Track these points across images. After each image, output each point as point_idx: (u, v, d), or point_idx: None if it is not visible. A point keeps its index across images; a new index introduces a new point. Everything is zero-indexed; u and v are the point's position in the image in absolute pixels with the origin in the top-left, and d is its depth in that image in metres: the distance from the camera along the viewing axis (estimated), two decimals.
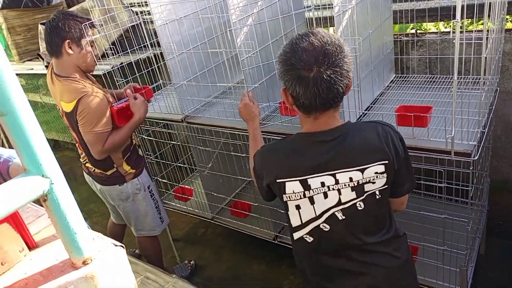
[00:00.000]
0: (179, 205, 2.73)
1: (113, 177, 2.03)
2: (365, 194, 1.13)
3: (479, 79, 1.84)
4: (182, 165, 2.72)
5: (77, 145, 2.05)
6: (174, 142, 2.70)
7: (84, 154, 2.02)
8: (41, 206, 0.73)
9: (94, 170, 2.04)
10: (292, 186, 1.14)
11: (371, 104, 1.93)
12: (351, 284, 1.23)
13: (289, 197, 1.16)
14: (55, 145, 4.90)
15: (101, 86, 2.05)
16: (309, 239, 1.21)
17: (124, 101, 1.98)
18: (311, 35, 1.04)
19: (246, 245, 2.78)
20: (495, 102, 1.81)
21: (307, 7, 2.23)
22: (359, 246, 1.19)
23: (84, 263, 0.67)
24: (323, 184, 1.12)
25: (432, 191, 1.90)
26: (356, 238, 1.18)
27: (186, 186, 2.69)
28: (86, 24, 1.78)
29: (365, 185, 1.12)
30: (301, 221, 1.19)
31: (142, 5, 2.79)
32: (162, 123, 2.58)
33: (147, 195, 2.14)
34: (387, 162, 1.10)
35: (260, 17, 1.89)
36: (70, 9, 3.13)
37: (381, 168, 1.10)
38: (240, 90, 2.30)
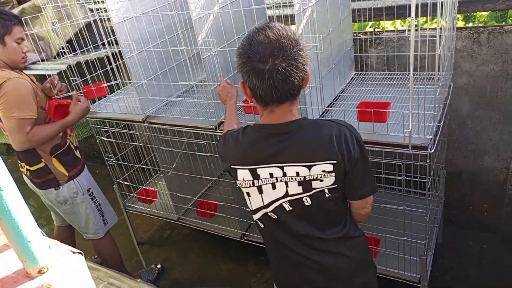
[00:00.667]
0: (143, 208, 2.66)
1: (46, 179, 1.97)
2: (313, 191, 1.15)
3: (434, 75, 1.92)
4: (145, 166, 2.65)
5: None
6: (135, 143, 2.63)
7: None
8: None
9: (26, 170, 1.98)
10: (243, 174, 1.18)
11: (333, 100, 1.96)
12: (301, 276, 1.26)
13: (241, 184, 1.21)
14: (8, 149, 4.64)
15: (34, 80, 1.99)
16: (261, 225, 1.27)
17: (67, 98, 2.01)
18: (267, 29, 1.05)
19: (213, 245, 2.76)
20: (449, 97, 1.89)
21: (267, 4, 2.24)
22: (310, 239, 1.21)
23: (40, 272, 0.64)
24: (271, 175, 1.15)
25: (392, 184, 1.96)
26: (305, 230, 1.20)
27: (150, 188, 2.63)
28: (11, 22, 1.75)
29: (313, 182, 1.13)
30: (252, 207, 1.25)
31: (98, 1, 2.69)
32: (123, 123, 2.51)
33: (86, 198, 2.09)
34: (335, 162, 1.10)
35: (221, 14, 1.87)
36: (21, 6, 2.98)
37: (329, 167, 1.11)
38: (203, 89, 2.27)
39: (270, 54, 1.02)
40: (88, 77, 2.34)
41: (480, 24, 3.42)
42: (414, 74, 2.08)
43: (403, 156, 1.79)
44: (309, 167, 1.11)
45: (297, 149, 1.12)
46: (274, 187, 1.17)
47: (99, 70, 2.38)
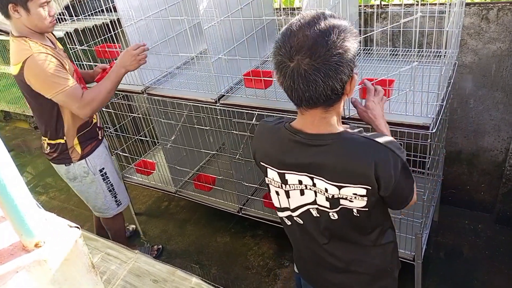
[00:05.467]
0: (141, 179, 2.66)
1: (60, 155, 1.94)
2: (340, 207, 1.05)
3: (440, 53, 1.88)
4: (143, 138, 2.64)
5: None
6: (134, 115, 2.61)
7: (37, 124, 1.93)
8: None
9: (44, 145, 1.96)
10: (272, 175, 1.11)
11: None
12: (321, 275, 1.24)
13: (270, 182, 1.14)
14: (5, 116, 4.61)
15: (63, 50, 1.93)
16: (288, 222, 1.20)
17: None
18: (310, 21, 0.91)
19: (210, 218, 2.79)
20: (453, 76, 1.86)
21: None
22: (334, 247, 1.16)
23: (37, 245, 0.63)
24: (300, 182, 1.07)
25: None
26: (330, 240, 1.14)
27: (148, 160, 2.63)
28: None
29: (341, 200, 1.04)
30: (280, 205, 1.18)
31: None
32: (121, 94, 2.48)
33: (98, 179, 2.05)
34: (369, 188, 0.99)
35: None
36: None
37: (362, 192, 1.00)
38: (203, 60, 2.22)
39: (297, 51, 0.90)
40: (85, 45, 2.29)
41: (488, 0, 3.33)
42: (419, 51, 2.05)
43: (404, 135, 1.77)
44: (340, 188, 1.01)
45: (329, 168, 1.00)
46: (302, 193, 1.09)
47: (97, 38, 2.33)
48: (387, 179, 0.98)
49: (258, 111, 1.87)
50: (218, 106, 1.96)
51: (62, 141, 1.91)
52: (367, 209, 1.03)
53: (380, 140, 1.00)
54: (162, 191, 2.63)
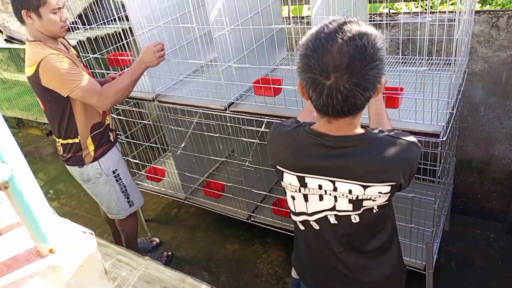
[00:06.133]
0: (151, 186, 2.69)
1: (74, 156, 1.97)
2: (362, 209, 1.06)
3: (449, 61, 1.87)
4: (154, 145, 2.66)
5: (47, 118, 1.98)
6: (145, 122, 2.64)
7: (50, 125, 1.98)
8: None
9: (59, 147, 1.99)
10: (290, 178, 1.10)
11: None
12: (328, 282, 1.23)
13: (286, 186, 1.13)
14: (18, 123, 4.68)
15: (76, 55, 1.98)
16: (301, 227, 1.20)
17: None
18: (340, 33, 0.88)
19: (219, 225, 2.79)
20: (463, 84, 1.85)
21: None
22: (347, 255, 1.15)
23: (51, 251, 0.64)
24: (320, 186, 1.06)
25: None
26: (345, 247, 1.13)
27: (158, 167, 2.65)
28: None
29: (364, 201, 1.04)
30: (295, 210, 1.17)
31: None
32: (133, 101, 2.51)
33: (111, 180, 2.07)
34: (394, 184, 1.00)
35: None
36: None
37: (387, 189, 1.01)
38: (213, 68, 2.25)
39: (335, 69, 0.87)
40: (98, 54, 2.33)
41: (498, 8, 3.31)
42: (429, 59, 2.04)
43: None
44: (365, 187, 1.01)
45: (355, 168, 1.00)
46: (321, 198, 1.08)
47: (110, 46, 2.37)
48: (413, 171, 1.04)
49: (268, 119, 1.89)
50: (228, 113, 1.97)
51: (76, 140, 1.94)
52: (387, 202, 1.07)
53: (404, 137, 1.02)
54: (172, 198, 2.65)
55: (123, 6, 2.05)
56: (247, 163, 2.15)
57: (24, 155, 0.62)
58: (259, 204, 2.36)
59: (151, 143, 2.67)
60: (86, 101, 1.84)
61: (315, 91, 0.92)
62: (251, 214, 2.33)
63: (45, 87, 1.76)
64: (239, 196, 2.31)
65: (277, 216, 2.21)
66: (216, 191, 2.41)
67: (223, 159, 2.78)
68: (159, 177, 2.59)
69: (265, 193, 2.36)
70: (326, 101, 0.91)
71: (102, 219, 2.33)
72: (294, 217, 1.20)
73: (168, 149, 2.72)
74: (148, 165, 2.69)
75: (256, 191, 2.28)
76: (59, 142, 1.98)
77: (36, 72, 1.74)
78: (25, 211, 0.61)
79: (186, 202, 2.58)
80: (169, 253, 2.63)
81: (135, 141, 2.63)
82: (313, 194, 1.08)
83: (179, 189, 2.58)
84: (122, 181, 2.12)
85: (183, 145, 2.39)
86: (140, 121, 2.59)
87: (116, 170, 2.08)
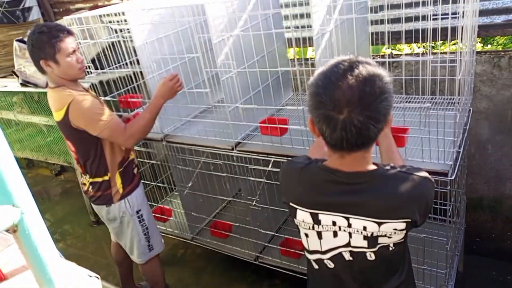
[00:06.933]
0: (158, 226, 2.66)
1: (103, 194, 1.97)
2: (378, 246, 1.04)
3: (453, 100, 1.89)
4: (161, 184, 2.67)
5: (74, 158, 2.00)
6: (153, 162, 2.66)
7: (78, 165, 1.99)
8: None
9: (87, 185, 1.99)
10: (303, 216, 1.09)
11: None
12: None
13: (299, 223, 1.12)
14: (28, 163, 4.74)
15: (96, 96, 2.03)
16: (315, 266, 1.17)
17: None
18: (350, 70, 0.91)
19: (226, 266, 2.73)
20: (469, 122, 1.86)
21: (286, 28, 2.26)
22: None
23: None
24: (334, 223, 1.05)
25: None
26: (358, 285, 1.11)
27: (165, 206, 2.64)
28: (57, 39, 1.74)
29: (379, 238, 1.03)
30: (309, 248, 1.15)
31: (122, 23, 2.78)
32: (141, 142, 2.54)
33: (134, 220, 2.05)
34: (409, 220, 1.00)
35: (241, 37, 1.90)
36: None
37: (402, 226, 1.00)
38: (220, 108, 2.29)
39: (347, 103, 0.90)
40: (109, 96, 2.40)
41: (499, 48, 3.38)
42: (433, 98, 2.07)
43: None
44: (380, 224, 1.00)
45: (368, 205, 1.00)
46: (335, 235, 1.06)
47: (121, 89, 2.44)
48: (428, 207, 1.03)
49: (274, 158, 1.90)
50: (234, 153, 1.99)
51: (106, 178, 1.96)
52: (403, 240, 1.05)
53: (417, 173, 1.02)
54: (178, 238, 2.62)
55: (134, 51, 2.13)
56: (254, 203, 2.14)
57: (33, 195, 0.63)
58: (266, 244, 2.32)
59: (158, 182, 2.68)
60: (113, 140, 1.88)
61: (329, 127, 0.93)
62: (258, 255, 2.29)
63: (75, 128, 1.80)
64: (246, 236, 2.28)
65: (285, 257, 2.16)
66: (223, 231, 2.38)
67: (230, 199, 2.77)
68: (165, 217, 2.57)
69: (272, 233, 2.32)
70: (340, 135, 0.93)
71: (107, 261, 2.29)
72: (308, 255, 1.17)
73: (175, 189, 2.72)
74: (155, 205, 2.68)
75: (264, 231, 2.25)
76: (88, 181, 1.99)
77: (66, 115, 1.78)
78: (32, 254, 0.61)
79: (192, 242, 2.55)
80: None
81: (143, 181, 2.64)
82: (327, 231, 1.07)
83: (186, 229, 2.55)
84: (144, 223, 2.09)
85: (190, 184, 2.40)
86: (148, 160, 2.61)
87: (140, 210, 2.07)
